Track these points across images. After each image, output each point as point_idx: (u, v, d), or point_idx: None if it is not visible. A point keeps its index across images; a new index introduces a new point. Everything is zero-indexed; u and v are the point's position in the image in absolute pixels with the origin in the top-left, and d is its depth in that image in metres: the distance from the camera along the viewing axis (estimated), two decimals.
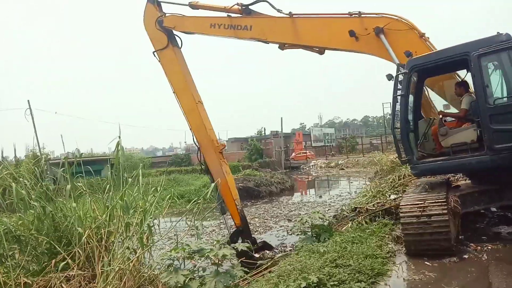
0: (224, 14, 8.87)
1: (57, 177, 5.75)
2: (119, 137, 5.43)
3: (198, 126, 8.95)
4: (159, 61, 9.38)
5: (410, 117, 7.00)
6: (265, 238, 9.53)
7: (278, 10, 8.40)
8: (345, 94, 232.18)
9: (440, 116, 7.52)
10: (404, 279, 4.99)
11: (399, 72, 6.58)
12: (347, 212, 9.11)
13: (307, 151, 48.06)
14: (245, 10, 8.56)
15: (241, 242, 6.96)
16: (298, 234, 8.51)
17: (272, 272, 5.46)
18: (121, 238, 4.83)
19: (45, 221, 4.96)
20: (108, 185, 5.26)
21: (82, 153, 7.05)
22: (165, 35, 9.19)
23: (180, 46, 9.47)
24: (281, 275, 4.92)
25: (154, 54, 9.38)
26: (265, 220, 12.10)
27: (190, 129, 9.13)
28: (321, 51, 8.61)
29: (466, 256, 5.56)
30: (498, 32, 6.02)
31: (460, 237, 6.20)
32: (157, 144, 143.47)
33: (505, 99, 6.09)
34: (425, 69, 6.71)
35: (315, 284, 4.37)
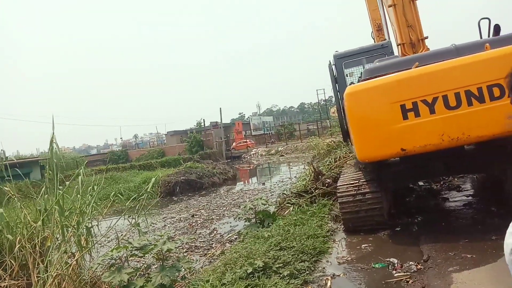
0: None
1: None
2: (53, 132, 4.94)
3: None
4: None
5: None
6: (221, 225, 9.91)
7: None
8: (282, 82, 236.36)
9: None
10: (344, 254, 5.26)
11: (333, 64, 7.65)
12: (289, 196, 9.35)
13: (247, 140, 48.51)
14: None
15: None
16: (241, 219, 8.68)
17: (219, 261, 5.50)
18: (58, 243, 4.58)
19: None
20: (44, 188, 4.93)
21: (7, 156, 6.55)
22: None
23: None
24: (227, 263, 4.97)
25: None
26: (213, 211, 12.09)
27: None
28: None
29: (398, 229, 5.98)
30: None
31: (392, 211, 6.65)
32: (91, 141, 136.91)
33: None
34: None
35: (261, 268, 4.47)
